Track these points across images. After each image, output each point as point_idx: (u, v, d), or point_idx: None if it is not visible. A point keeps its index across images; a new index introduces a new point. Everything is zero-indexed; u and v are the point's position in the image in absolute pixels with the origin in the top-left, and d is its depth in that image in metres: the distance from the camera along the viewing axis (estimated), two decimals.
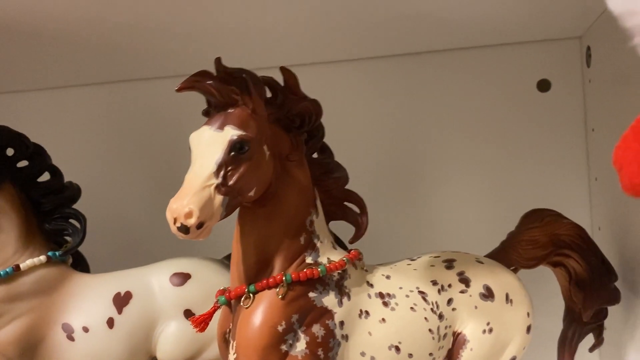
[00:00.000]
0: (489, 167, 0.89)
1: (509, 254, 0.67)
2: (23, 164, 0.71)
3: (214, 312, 0.58)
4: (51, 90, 0.97)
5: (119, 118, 0.97)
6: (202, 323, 0.58)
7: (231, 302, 0.58)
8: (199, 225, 0.49)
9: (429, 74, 0.90)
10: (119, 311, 0.68)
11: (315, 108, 0.59)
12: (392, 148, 0.92)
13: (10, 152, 0.70)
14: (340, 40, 0.82)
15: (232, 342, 0.57)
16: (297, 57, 0.88)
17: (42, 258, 0.68)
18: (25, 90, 0.97)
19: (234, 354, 0.56)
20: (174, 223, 0.49)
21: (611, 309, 0.78)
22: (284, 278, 0.55)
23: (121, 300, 0.69)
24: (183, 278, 0.70)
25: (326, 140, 0.63)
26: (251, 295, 0.56)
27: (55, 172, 0.73)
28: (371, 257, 0.66)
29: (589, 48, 0.83)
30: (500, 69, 0.88)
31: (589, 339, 0.71)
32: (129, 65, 0.88)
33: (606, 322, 0.81)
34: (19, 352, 0.66)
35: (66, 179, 0.74)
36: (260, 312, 0.55)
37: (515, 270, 0.67)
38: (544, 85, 0.88)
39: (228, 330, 0.59)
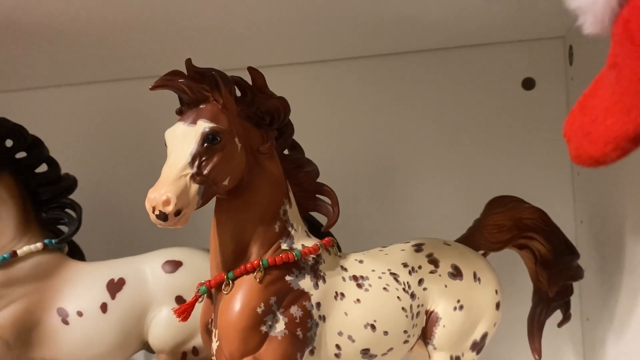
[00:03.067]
0: (474, 163, 0.91)
1: (476, 239, 0.70)
2: (21, 155, 0.74)
3: (195, 302, 0.60)
4: (48, 88, 1.00)
5: (114, 114, 0.99)
6: (184, 312, 0.60)
7: (212, 292, 0.61)
8: (177, 213, 0.51)
9: (416, 73, 0.92)
10: (113, 297, 0.71)
11: (283, 105, 0.62)
12: (377, 146, 0.94)
13: (9, 143, 0.73)
14: (323, 40, 0.85)
15: (214, 330, 0.59)
16: (277, 58, 0.90)
17: (39, 245, 0.71)
18: (23, 89, 1.00)
19: (216, 341, 0.58)
20: (153, 211, 0.51)
21: (591, 301, 0.80)
22: (260, 263, 0.58)
23: (114, 286, 0.71)
24: (175, 265, 0.72)
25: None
26: (230, 281, 0.58)
27: (53, 164, 0.76)
28: (350, 250, 0.68)
29: (571, 47, 0.85)
30: (485, 68, 0.91)
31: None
32: (122, 64, 0.91)
33: (587, 314, 0.83)
34: (15, 334, 0.68)
35: (63, 172, 0.77)
36: (239, 296, 0.57)
37: (484, 255, 0.70)
38: (528, 84, 0.90)
39: (210, 320, 0.61)
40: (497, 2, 0.72)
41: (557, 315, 0.74)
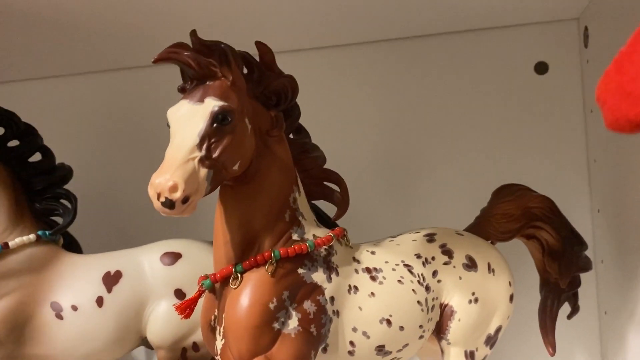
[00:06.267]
0: (487, 151, 0.88)
1: (485, 228, 0.68)
2: (14, 143, 0.71)
3: (198, 297, 0.56)
4: (43, 79, 0.98)
5: (110, 103, 0.97)
6: (186, 309, 0.56)
7: (215, 287, 0.57)
8: (185, 200, 0.47)
9: (426, 58, 0.89)
10: (109, 290, 0.68)
11: (292, 85, 0.58)
12: (387, 132, 0.91)
13: (0, 131, 0.70)
14: (333, 25, 0.82)
15: (218, 328, 0.56)
16: (285, 43, 0.88)
17: (32, 237, 0.68)
18: (17, 79, 0.98)
19: (221, 339, 0.55)
20: (158, 198, 0.47)
21: (609, 294, 0.77)
22: (272, 255, 0.54)
23: (111, 280, 0.68)
24: (174, 257, 0.69)
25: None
26: (239, 275, 0.55)
27: (47, 153, 0.73)
28: (359, 240, 0.65)
29: (586, 29, 0.81)
30: (497, 52, 0.87)
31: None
32: (118, 53, 0.89)
33: (605, 307, 0.80)
34: (7, 330, 0.65)
35: (58, 161, 0.74)
36: (249, 291, 0.53)
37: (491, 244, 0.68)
38: (541, 68, 0.86)
39: (214, 317, 0.57)
40: None
41: (565, 308, 0.71)
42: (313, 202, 0.63)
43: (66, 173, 0.74)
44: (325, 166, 0.63)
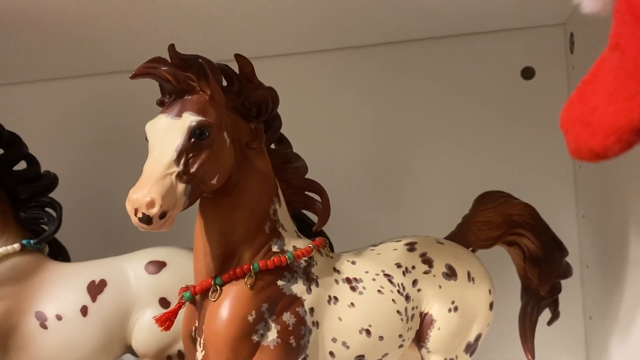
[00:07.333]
0: (471, 156, 0.88)
1: (466, 236, 0.68)
2: None
3: (178, 310, 0.57)
4: (27, 83, 0.97)
5: (96, 109, 0.97)
6: (166, 321, 0.57)
7: (196, 298, 0.57)
8: (162, 215, 0.48)
9: (412, 63, 0.89)
10: (93, 299, 0.68)
11: (272, 96, 0.58)
12: (371, 138, 0.91)
13: None
14: (316, 30, 0.82)
15: (199, 339, 0.56)
16: (269, 48, 0.87)
17: (16, 246, 0.68)
18: (2, 84, 0.98)
19: (202, 351, 0.55)
20: (135, 214, 0.47)
21: (594, 299, 0.77)
22: (251, 267, 0.55)
23: (95, 289, 0.68)
24: (158, 266, 0.69)
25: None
26: (218, 287, 0.55)
27: (32, 161, 0.73)
28: (345, 248, 0.66)
29: (572, 35, 0.82)
30: (484, 57, 0.87)
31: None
32: (104, 58, 0.88)
33: (590, 312, 0.80)
34: None
35: (44, 169, 0.74)
36: (228, 304, 0.54)
37: (473, 252, 0.68)
38: (528, 73, 0.87)
39: (194, 328, 0.58)
40: None
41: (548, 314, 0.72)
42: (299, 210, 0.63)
43: (52, 181, 0.73)
44: (309, 173, 0.63)
